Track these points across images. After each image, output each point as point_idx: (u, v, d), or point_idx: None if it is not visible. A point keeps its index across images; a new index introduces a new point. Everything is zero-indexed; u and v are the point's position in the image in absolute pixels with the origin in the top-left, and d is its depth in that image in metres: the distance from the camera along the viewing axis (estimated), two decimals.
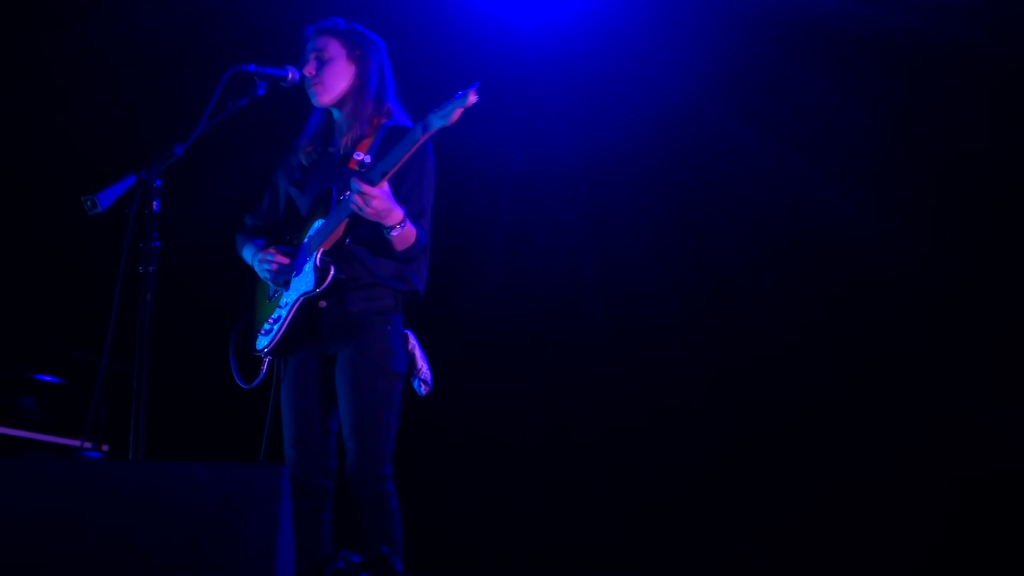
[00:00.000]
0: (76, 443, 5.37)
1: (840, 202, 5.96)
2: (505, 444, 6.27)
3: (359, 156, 4.26)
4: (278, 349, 4.23)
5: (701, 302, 6.17)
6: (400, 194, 4.12)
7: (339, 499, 4.23)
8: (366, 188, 3.96)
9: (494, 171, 6.25)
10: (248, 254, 4.43)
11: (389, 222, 4.04)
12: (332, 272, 4.12)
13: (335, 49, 4.30)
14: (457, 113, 3.90)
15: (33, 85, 6.19)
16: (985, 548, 5.62)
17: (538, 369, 6.33)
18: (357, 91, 4.31)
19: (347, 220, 4.10)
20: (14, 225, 6.20)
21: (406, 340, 4.25)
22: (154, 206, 3.71)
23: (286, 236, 4.39)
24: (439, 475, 6.14)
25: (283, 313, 4.21)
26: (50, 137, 6.22)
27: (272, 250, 4.30)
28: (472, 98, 3.88)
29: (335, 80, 4.29)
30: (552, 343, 6.33)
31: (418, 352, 4.27)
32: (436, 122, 3.93)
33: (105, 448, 5.33)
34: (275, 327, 4.22)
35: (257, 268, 4.34)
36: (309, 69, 4.25)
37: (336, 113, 4.37)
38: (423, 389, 4.26)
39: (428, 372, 4.27)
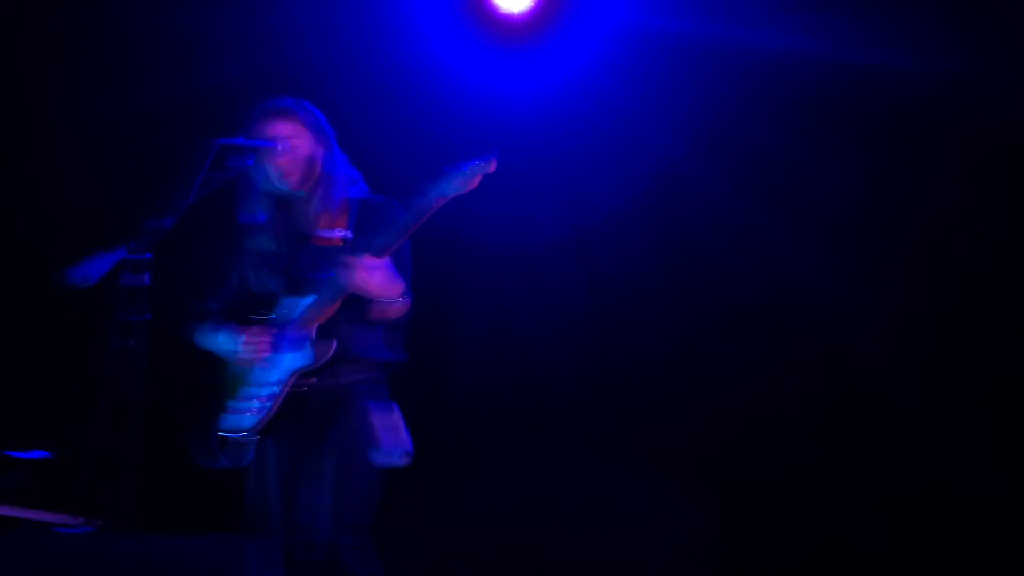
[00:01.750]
0: (68, 518, 5.34)
1: (824, 269, 5.98)
2: (488, 513, 6.20)
3: (340, 233, 4.23)
4: (265, 428, 4.16)
5: (687, 367, 6.16)
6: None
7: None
8: (371, 262, 3.95)
9: (480, 238, 6.26)
10: (225, 340, 4.29)
11: (392, 295, 4.05)
12: (334, 346, 4.10)
13: (302, 134, 4.25)
14: (477, 179, 3.89)
15: (21, 157, 6.21)
16: None
17: (526, 436, 6.29)
18: (328, 174, 4.28)
19: (344, 295, 4.07)
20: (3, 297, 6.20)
21: (391, 410, 4.23)
22: (144, 279, 3.72)
23: (250, 316, 4.27)
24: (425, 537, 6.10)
25: (275, 391, 4.15)
26: (38, 210, 6.23)
27: (253, 331, 4.20)
28: (493, 164, 3.88)
29: (310, 167, 4.25)
30: (539, 406, 6.30)
31: (401, 423, 4.25)
32: (453, 188, 3.90)
33: (97, 522, 5.29)
34: (266, 405, 4.15)
35: (240, 350, 4.23)
36: (285, 160, 4.20)
37: (299, 193, 4.29)
38: (405, 460, 4.23)
39: (409, 442, 4.25)
